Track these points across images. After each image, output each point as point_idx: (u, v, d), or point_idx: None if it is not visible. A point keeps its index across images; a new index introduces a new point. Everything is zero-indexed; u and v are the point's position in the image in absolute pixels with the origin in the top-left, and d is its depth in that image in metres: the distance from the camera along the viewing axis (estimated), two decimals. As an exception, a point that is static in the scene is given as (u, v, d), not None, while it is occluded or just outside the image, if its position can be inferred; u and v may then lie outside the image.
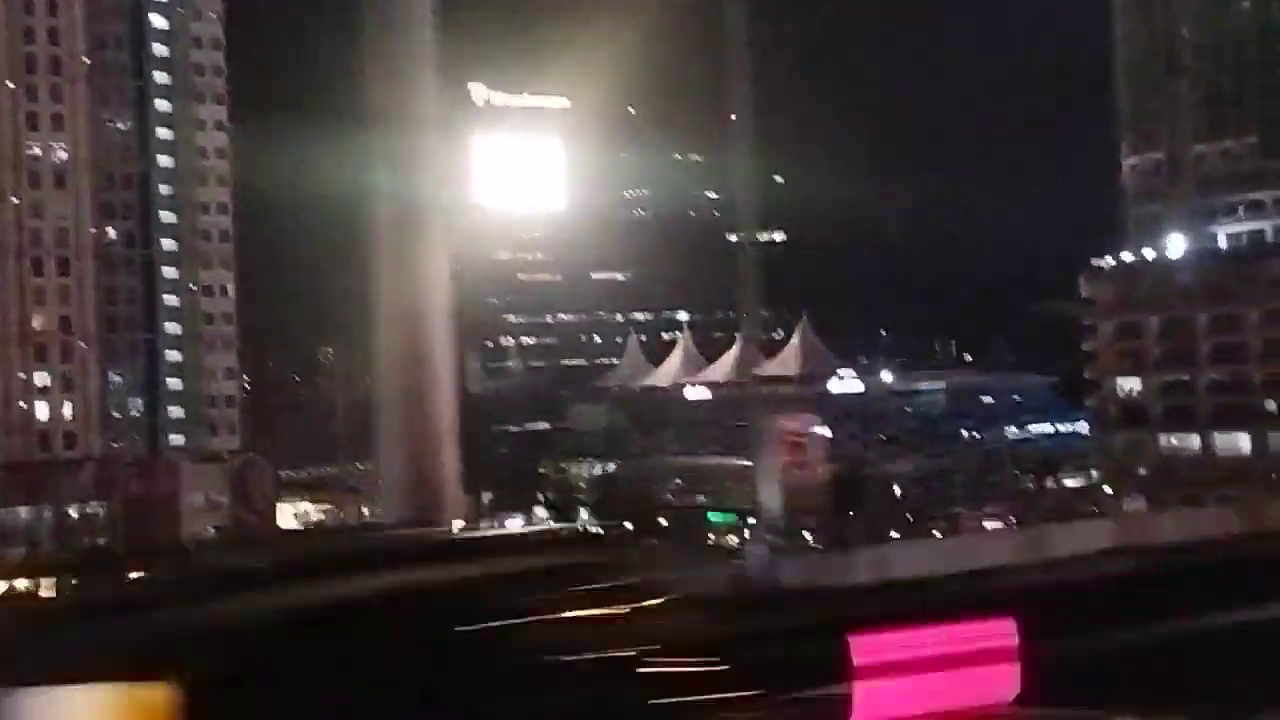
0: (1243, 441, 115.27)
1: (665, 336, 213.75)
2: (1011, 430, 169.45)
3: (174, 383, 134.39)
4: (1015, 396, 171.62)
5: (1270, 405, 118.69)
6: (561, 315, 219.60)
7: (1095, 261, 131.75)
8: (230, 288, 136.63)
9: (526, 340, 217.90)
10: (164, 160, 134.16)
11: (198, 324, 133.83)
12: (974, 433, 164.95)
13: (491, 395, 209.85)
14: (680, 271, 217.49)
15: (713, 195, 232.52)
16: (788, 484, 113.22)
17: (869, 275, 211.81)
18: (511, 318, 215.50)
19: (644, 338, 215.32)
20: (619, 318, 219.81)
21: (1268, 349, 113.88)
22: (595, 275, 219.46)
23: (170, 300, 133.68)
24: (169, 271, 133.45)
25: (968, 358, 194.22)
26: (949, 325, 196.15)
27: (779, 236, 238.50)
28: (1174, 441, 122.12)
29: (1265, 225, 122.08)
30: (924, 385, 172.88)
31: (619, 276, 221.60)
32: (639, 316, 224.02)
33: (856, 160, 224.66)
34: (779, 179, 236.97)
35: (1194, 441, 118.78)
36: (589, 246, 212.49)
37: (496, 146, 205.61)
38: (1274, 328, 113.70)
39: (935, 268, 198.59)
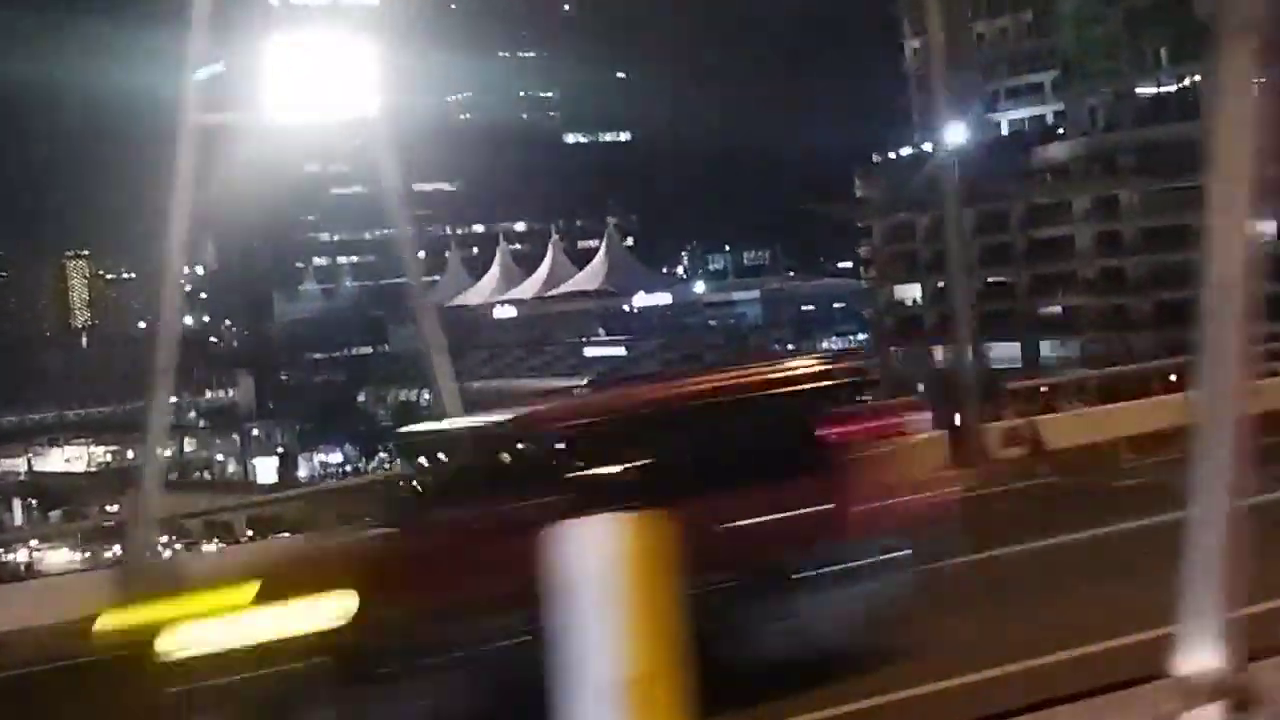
0: (1016, 351, 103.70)
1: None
2: (831, 341, 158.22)
3: None
4: (838, 304, 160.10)
5: (1053, 310, 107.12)
6: (385, 230, 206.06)
7: (877, 158, 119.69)
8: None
9: (345, 259, 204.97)
10: None
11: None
12: (787, 344, 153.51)
13: (306, 319, 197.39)
14: (514, 179, 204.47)
15: (548, 95, 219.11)
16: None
17: (704, 179, 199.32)
18: (326, 235, 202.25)
19: (476, 250, 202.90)
20: (447, 230, 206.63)
21: (1033, 250, 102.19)
22: (418, 186, 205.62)
23: None
24: None
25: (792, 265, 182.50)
26: (776, 230, 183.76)
27: (624, 137, 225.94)
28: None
29: (1046, 110, 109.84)
30: (738, 295, 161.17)
31: (445, 186, 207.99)
32: (477, 229, 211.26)
33: (693, 56, 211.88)
34: (621, 75, 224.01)
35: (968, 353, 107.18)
36: (410, 155, 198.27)
37: (299, 48, 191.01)
38: (1041, 225, 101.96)
39: (762, 169, 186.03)
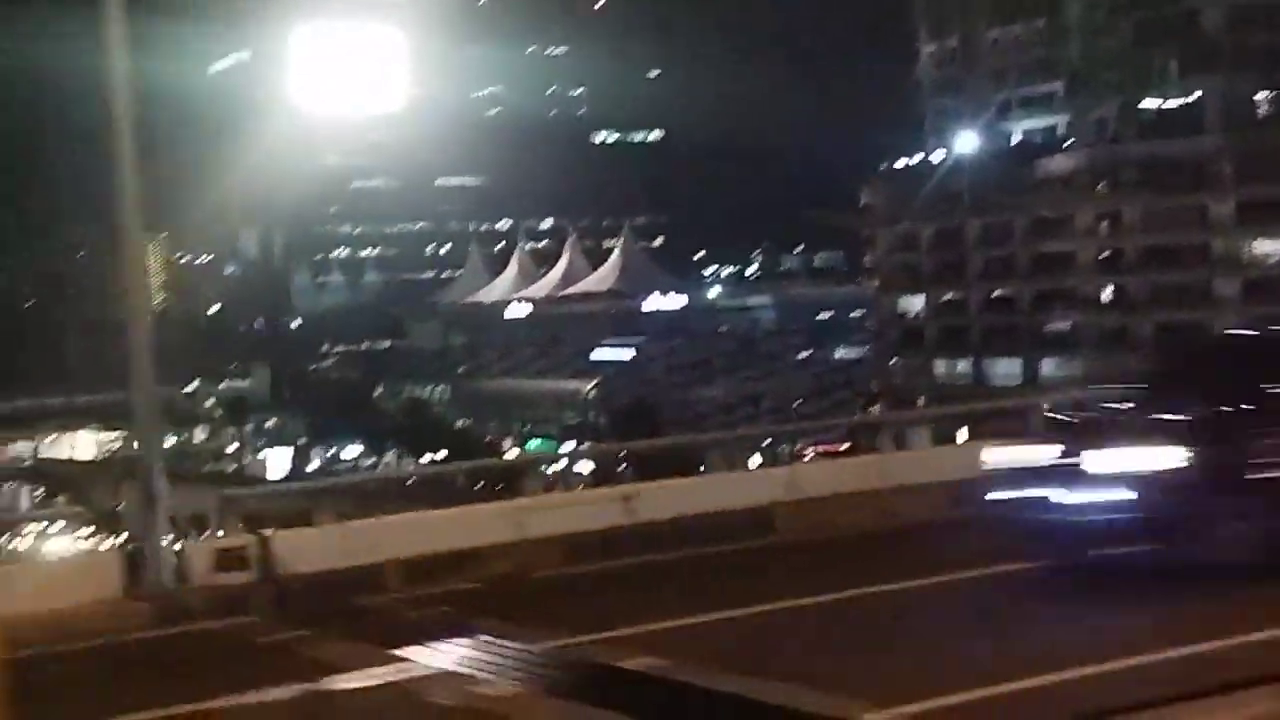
0: (1018, 368, 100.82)
1: (527, 247, 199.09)
2: (847, 350, 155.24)
3: None
4: (857, 312, 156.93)
5: (1060, 326, 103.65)
6: (406, 225, 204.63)
7: (885, 165, 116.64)
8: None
9: (365, 252, 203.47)
10: None
11: None
12: (799, 352, 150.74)
13: (325, 311, 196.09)
14: (540, 176, 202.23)
15: (577, 92, 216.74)
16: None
17: (728, 181, 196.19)
18: (346, 228, 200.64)
19: (500, 248, 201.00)
20: (471, 227, 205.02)
21: (1037, 263, 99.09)
22: (440, 181, 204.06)
23: None
24: None
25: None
26: (797, 234, 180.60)
27: (654, 136, 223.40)
28: (960, 367, 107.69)
29: (1058, 120, 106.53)
30: (753, 300, 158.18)
31: (470, 181, 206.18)
32: (501, 225, 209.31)
33: (722, 57, 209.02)
34: (653, 74, 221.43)
35: (968, 368, 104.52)
36: (434, 150, 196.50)
37: (323, 39, 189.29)
38: (1042, 238, 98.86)
39: (784, 174, 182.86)
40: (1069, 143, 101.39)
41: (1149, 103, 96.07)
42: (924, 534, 18.26)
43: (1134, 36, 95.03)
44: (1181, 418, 14.41)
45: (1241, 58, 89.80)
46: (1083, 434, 15.38)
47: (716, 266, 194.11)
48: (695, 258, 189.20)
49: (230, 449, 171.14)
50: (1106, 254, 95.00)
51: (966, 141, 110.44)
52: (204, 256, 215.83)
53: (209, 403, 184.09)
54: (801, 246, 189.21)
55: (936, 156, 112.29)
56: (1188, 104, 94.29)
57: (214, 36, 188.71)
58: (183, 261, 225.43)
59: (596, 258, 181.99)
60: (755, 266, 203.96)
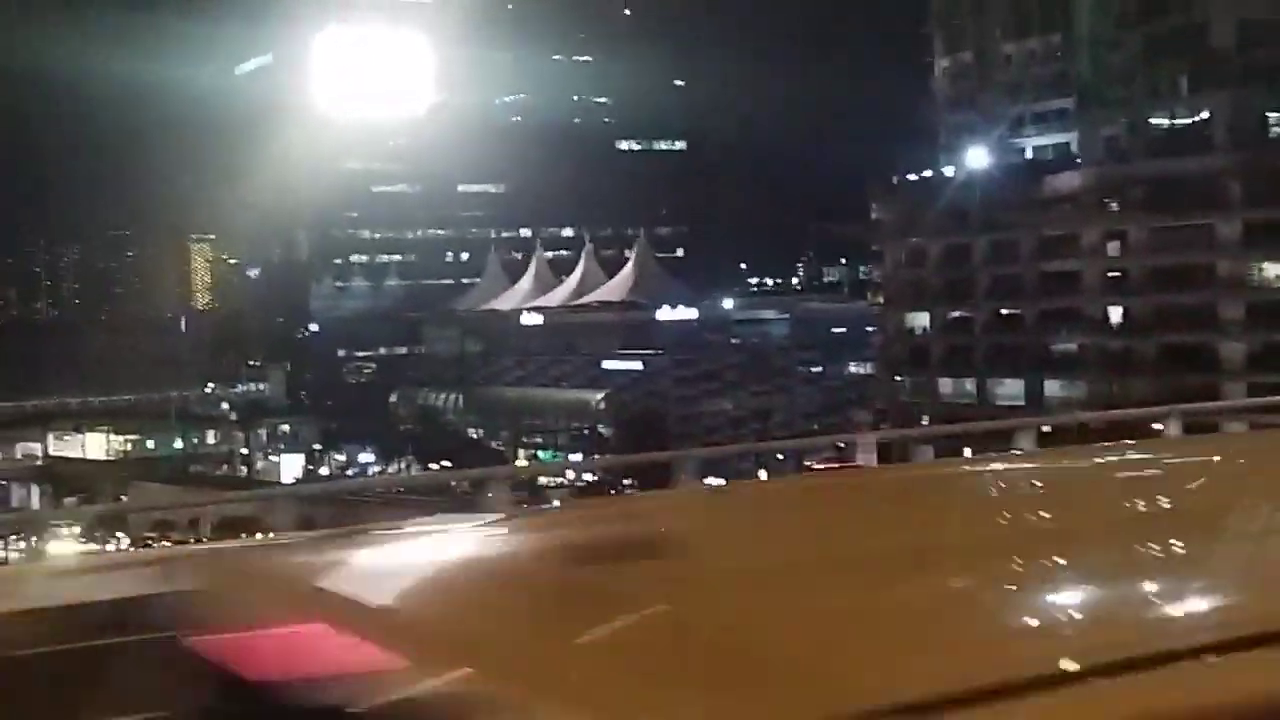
0: (1020, 388, 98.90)
1: (549, 255, 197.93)
2: (862, 366, 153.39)
3: None
4: (871, 327, 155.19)
5: (1066, 347, 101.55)
6: (429, 231, 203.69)
7: (895, 179, 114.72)
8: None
9: (386, 258, 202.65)
10: None
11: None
12: (812, 367, 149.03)
13: (343, 317, 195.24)
14: (563, 184, 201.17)
15: (602, 100, 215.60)
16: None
17: (748, 193, 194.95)
18: (366, 233, 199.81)
19: (520, 255, 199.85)
20: (492, 234, 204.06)
21: (1043, 282, 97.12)
22: (463, 187, 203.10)
23: None
24: None
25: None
26: (814, 249, 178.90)
27: (678, 145, 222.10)
28: (968, 386, 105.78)
29: (1070, 136, 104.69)
30: (767, 314, 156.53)
31: (491, 189, 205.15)
32: (524, 232, 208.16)
33: (747, 68, 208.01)
34: (678, 83, 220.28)
35: (972, 387, 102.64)
36: (456, 156, 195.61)
37: (347, 43, 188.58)
38: (1049, 257, 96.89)
39: (805, 188, 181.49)
40: (1079, 160, 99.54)
41: (1158, 120, 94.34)
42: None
43: (1143, 52, 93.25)
44: None
45: (1251, 74, 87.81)
46: None
47: (757, 279, 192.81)
48: (726, 270, 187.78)
49: (241, 453, 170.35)
50: (1114, 274, 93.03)
51: (978, 156, 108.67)
52: (243, 260, 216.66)
53: (223, 406, 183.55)
54: (844, 260, 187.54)
55: (949, 171, 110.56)
56: (1197, 121, 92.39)
57: (236, 38, 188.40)
58: (231, 264, 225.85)
59: (617, 267, 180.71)
60: (796, 279, 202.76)
